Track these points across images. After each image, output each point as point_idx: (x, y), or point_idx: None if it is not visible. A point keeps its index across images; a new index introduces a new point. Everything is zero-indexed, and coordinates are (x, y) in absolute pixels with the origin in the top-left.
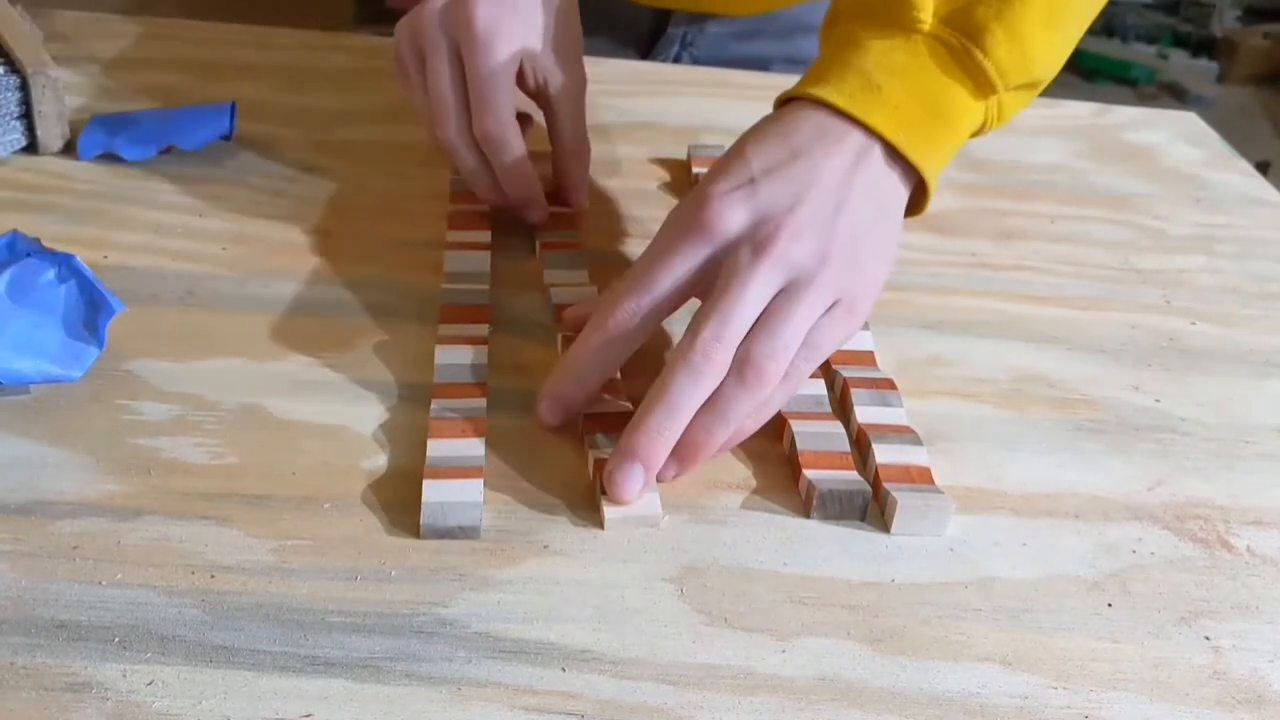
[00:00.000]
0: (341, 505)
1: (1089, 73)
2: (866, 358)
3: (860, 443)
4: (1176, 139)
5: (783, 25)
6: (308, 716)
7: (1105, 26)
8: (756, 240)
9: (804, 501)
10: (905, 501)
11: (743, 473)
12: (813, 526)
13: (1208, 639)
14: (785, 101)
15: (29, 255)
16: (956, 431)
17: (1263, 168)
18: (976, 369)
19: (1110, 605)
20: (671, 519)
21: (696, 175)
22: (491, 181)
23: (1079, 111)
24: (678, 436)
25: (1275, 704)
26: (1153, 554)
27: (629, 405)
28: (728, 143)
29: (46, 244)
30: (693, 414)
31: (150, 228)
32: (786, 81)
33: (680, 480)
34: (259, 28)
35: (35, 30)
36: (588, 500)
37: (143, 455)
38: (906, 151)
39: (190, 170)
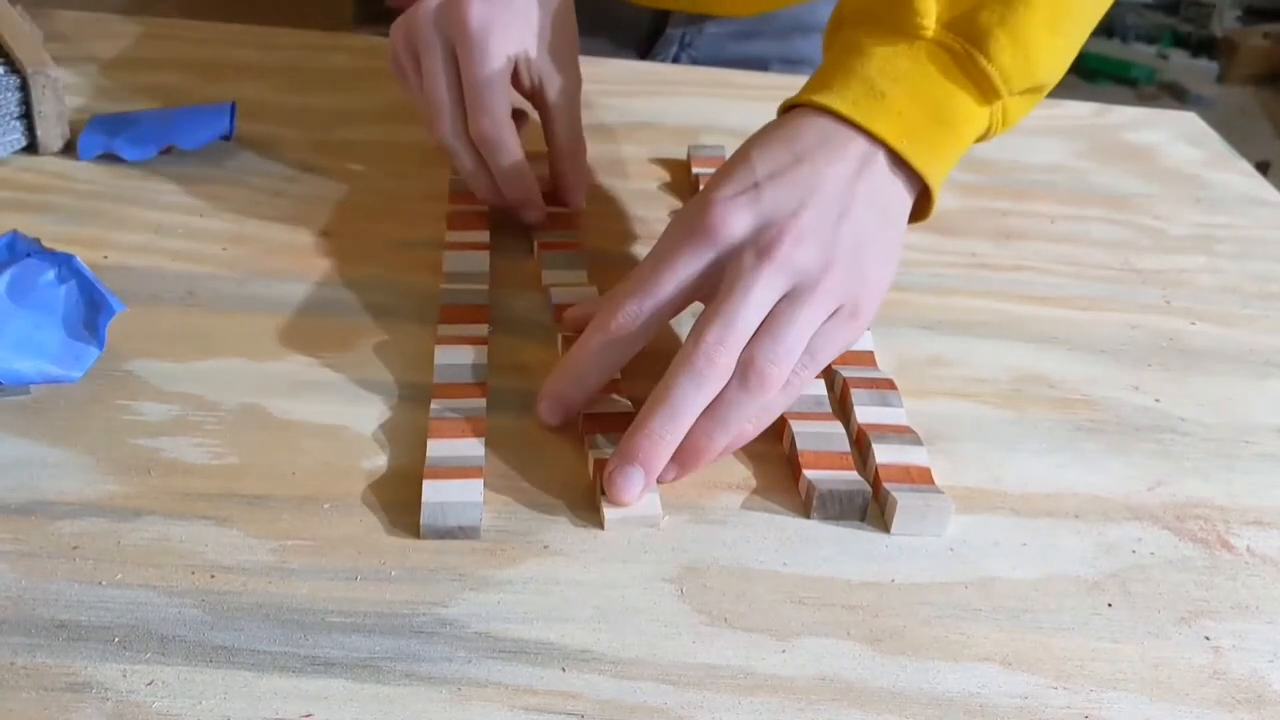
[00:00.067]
0: (341, 505)
1: (1089, 73)
2: (866, 358)
3: (860, 443)
4: (1176, 139)
5: (781, 25)
6: (308, 716)
7: (1105, 27)
8: (760, 245)
9: (804, 501)
10: (905, 502)
11: (743, 473)
12: (813, 526)
13: (1208, 639)
14: (790, 108)
15: (29, 255)
16: (956, 431)
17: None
18: (976, 369)
19: (1110, 605)
20: (671, 519)
21: (697, 175)
22: (489, 182)
23: (1079, 111)
24: (679, 440)
25: (1275, 704)
26: (1153, 554)
27: (630, 406)
28: (727, 142)
29: (46, 244)
30: (694, 418)
31: (150, 228)
32: (785, 81)
33: (680, 481)
34: (259, 28)
35: (35, 30)
36: (588, 500)
37: (143, 455)
38: (910, 158)
39: (190, 170)
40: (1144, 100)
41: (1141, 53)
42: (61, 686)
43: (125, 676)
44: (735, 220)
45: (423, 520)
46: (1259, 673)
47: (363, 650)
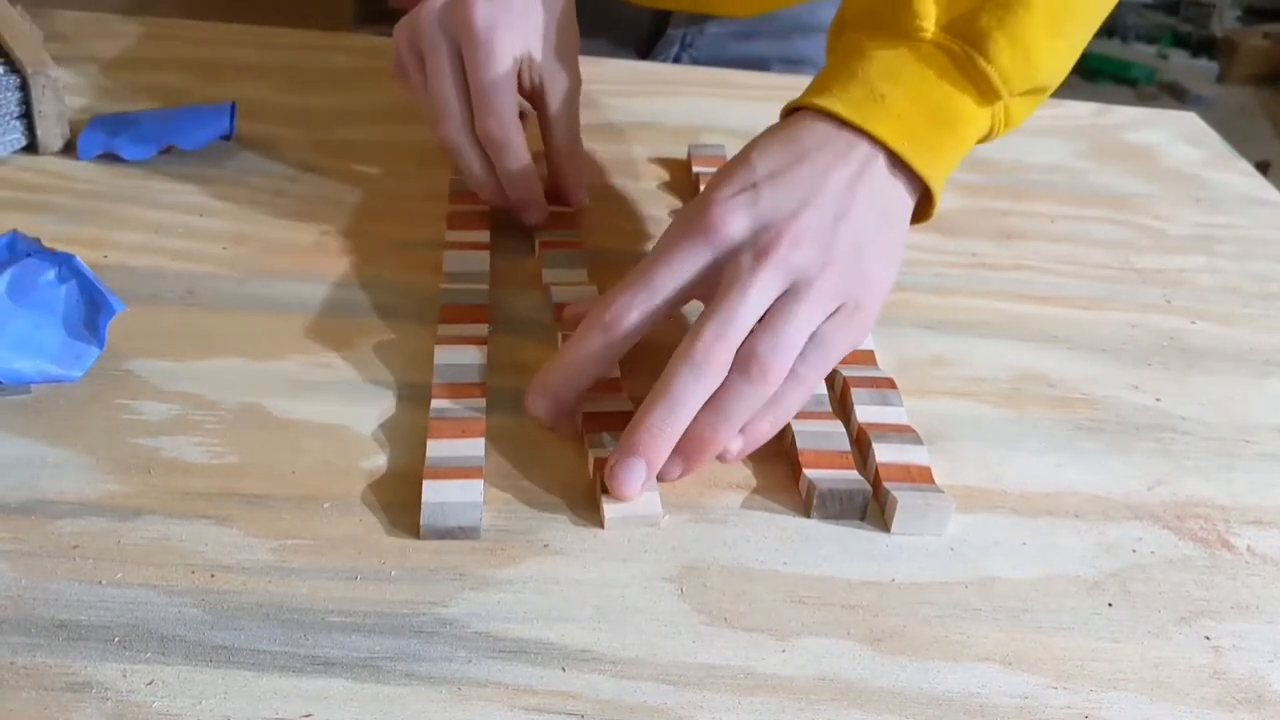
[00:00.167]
0: (341, 505)
1: (1089, 73)
2: (867, 357)
3: (860, 442)
4: (1176, 139)
5: (782, 26)
6: (308, 716)
7: (1105, 27)
8: (758, 246)
9: (804, 501)
10: (905, 501)
11: (743, 473)
12: (813, 526)
13: (1208, 639)
14: (791, 111)
15: (29, 255)
16: (956, 431)
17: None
18: (977, 369)
19: (1110, 605)
20: (671, 519)
21: (697, 175)
22: (494, 182)
23: (1079, 111)
24: (679, 434)
25: (1275, 704)
26: (1153, 554)
27: (630, 405)
28: (728, 142)
29: (46, 244)
30: (695, 411)
31: (150, 228)
32: (786, 81)
33: (681, 480)
34: (259, 28)
35: (35, 30)
36: (588, 500)
37: (143, 455)
38: (910, 160)
39: (190, 170)
40: (1144, 100)
41: (1141, 53)
42: (61, 686)
43: (125, 676)
44: (734, 220)
45: (423, 520)
46: (1259, 673)
47: (363, 650)
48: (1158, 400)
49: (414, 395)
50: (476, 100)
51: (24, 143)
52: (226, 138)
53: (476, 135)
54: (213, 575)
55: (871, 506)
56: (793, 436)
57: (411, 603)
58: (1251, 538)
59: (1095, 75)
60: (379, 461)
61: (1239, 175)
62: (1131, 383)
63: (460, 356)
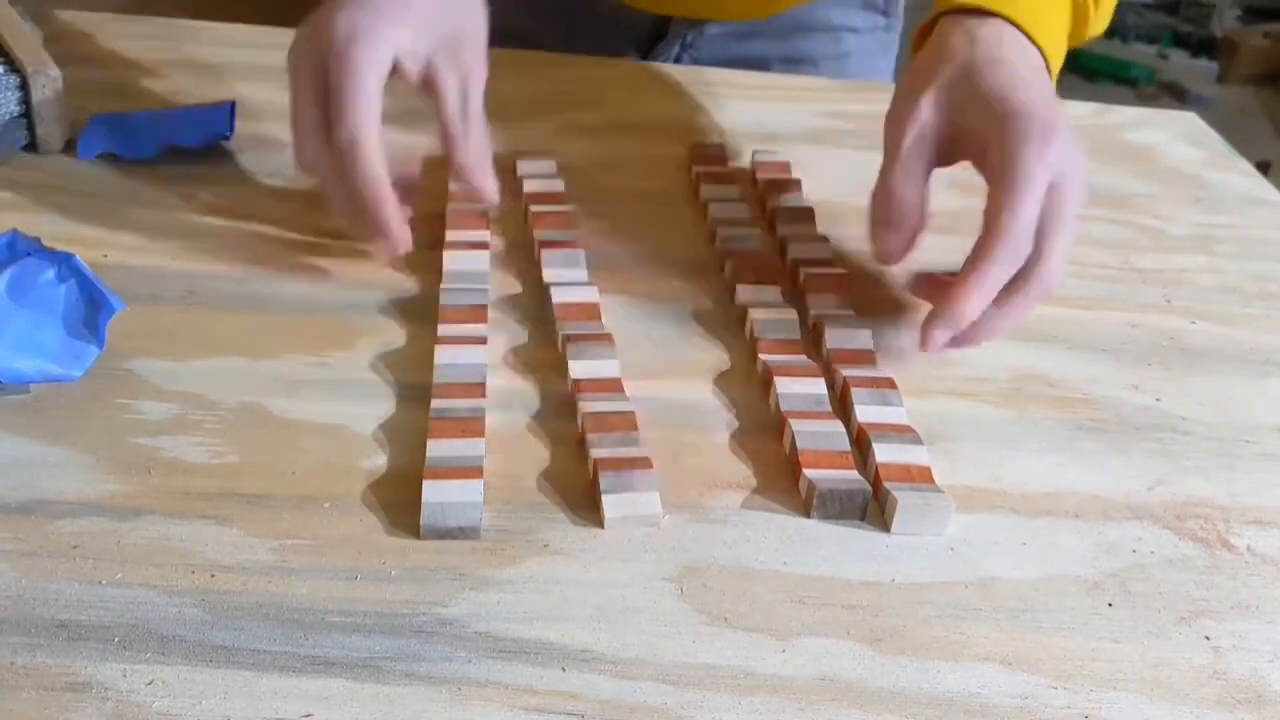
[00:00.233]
0: (341, 505)
1: (1089, 73)
2: (867, 357)
3: (860, 442)
4: (1176, 139)
5: (782, 25)
6: (308, 716)
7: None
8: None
9: (804, 501)
10: (905, 501)
11: (743, 473)
12: (813, 526)
13: (1208, 639)
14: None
15: (29, 255)
16: (956, 431)
17: (1263, 168)
18: (976, 369)
19: (1110, 605)
20: (671, 519)
21: (697, 174)
22: (349, 199)
23: (1079, 111)
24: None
25: (1275, 704)
26: (1153, 554)
27: (630, 407)
28: (727, 142)
29: (46, 243)
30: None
31: (150, 227)
32: (786, 81)
33: (680, 480)
34: (259, 28)
35: (35, 30)
36: (588, 500)
37: (143, 455)
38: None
39: (190, 170)
40: (1144, 100)
41: (1141, 53)
42: (61, 686)
43: (125, 676)
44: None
45: (423, 520)
46: (1259, 673)
47: (363, 650)
48: (1158, 400)
49: (414, 395)
50: (333, 110)
51: (24, 143)
52: (226, 138)
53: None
54: (213, 575)
55: (871, 507)
56: (793, 436)
57: (411, 603)
58: (1251, 538)
59: (1095, 75)
60: (379, 461)
61: (1239, 175)
62: (1131, 383)
63: (460, 356)
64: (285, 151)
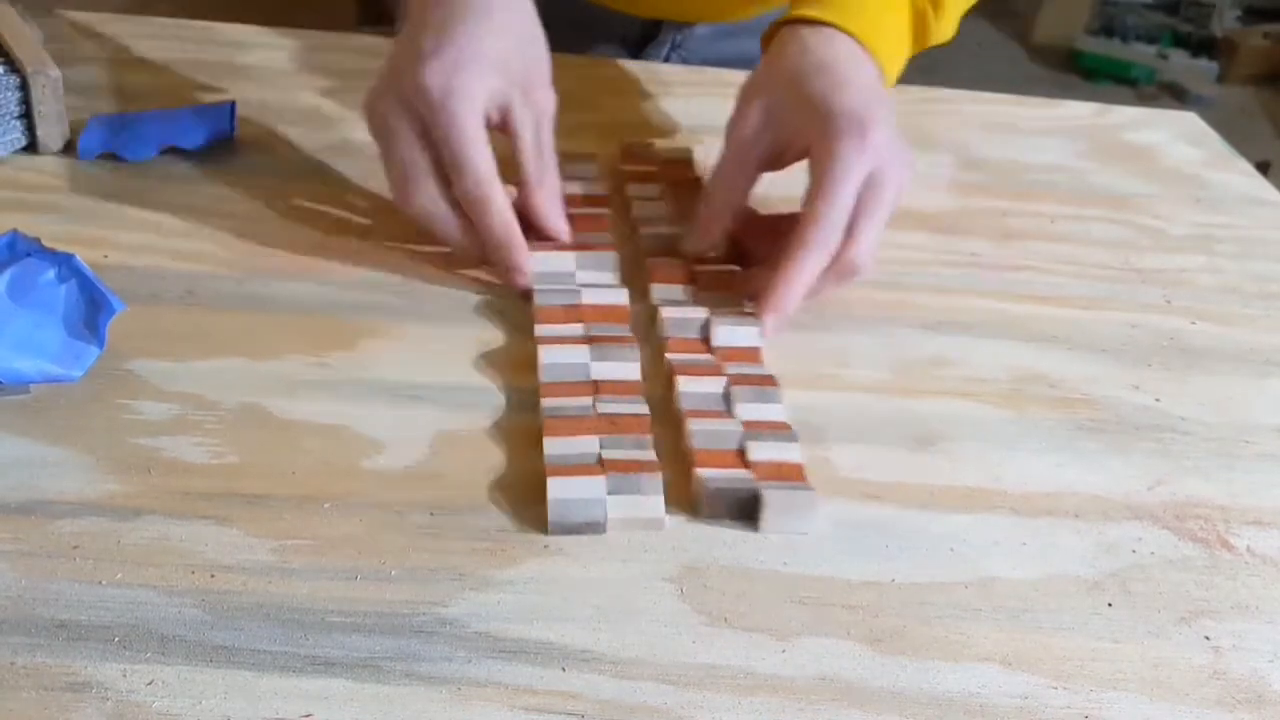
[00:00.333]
0: (341, 505)
1: (1089, 73)
2: (752, 354)
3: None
4: (1176, 139)
5: (768, 23)
6: (308, 716)
7: (1105, 27)
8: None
9: (694, 499)
10: (770, 498)
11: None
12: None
13: (1208, 639)
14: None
15: (29, 255)
16: (956, 431)
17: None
18: (976, 369)
19: (1110, 605)
20: (671, 519)
21: (624, 173)
22: (476, 245)
23: (1079, 111)
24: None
25: (1275, 704)
26: (1153, 554)
27: (646, 410)
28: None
29: (46, 244)
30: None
31: (150, 228)
32: None
33: (680, 481)
34: (259, 28)
35: (35, 30)
36: None
37: (143, 455)
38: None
39: (190, 170)
40: (1144, 100)
41: (1141, 53)
42: (61, 686)
43: (125, 676)
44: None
45: (550, 517)
46: (1259, 673)
47: (363, 650)
48: (1158, 400)
49: (414, 395)
50: (449, 164)
51: (24, 143)
52: (226, 138)
53: (452, 199)
54: (213, 575)
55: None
56: (689, 434)
57: (411, 603)
58: (1251, 538)
59: (1095, 75)
60: (379, 461)
61: (1239, 175)
62: (1131, 383)
63: (564, 356)
64: (285, 151)
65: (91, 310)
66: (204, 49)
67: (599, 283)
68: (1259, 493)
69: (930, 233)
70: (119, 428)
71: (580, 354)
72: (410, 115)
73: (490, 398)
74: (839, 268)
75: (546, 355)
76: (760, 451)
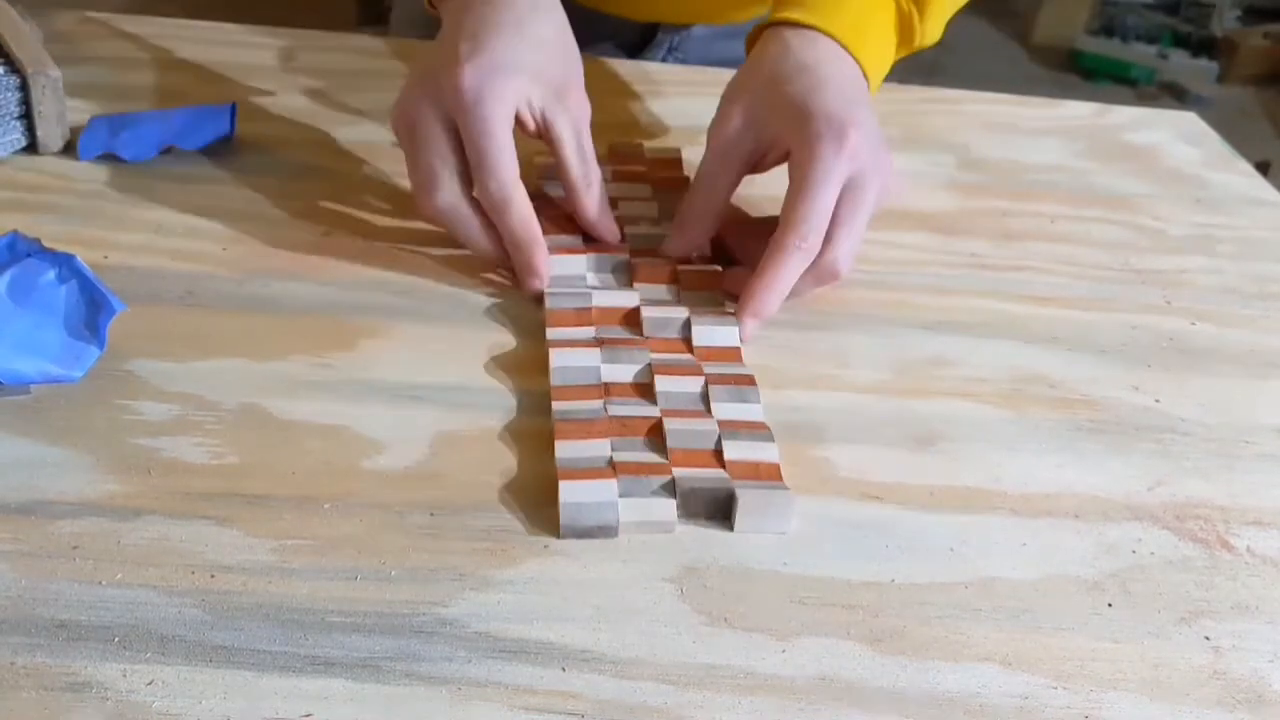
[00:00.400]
0: (341, 505)
1: (1089, 73)
2: (731, 354)
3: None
4: (1176, 139)
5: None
6: (308, 716)
7: (1105, 26)
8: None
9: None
10: (745, 498)
11: None
12: (813, 526)
13: (1208, 639)
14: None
15: (29, 255)
16: (956, 431)
17: (1263, 168)
18: (976, 369)
19: (1110, 605)
20: None
21: (612, 173)
22: (497, 247)
23: (1079, 111)
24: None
25: (1275, 704)
26: (1153, 554)
27: (657, 411)
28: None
29: (47, 244)
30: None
31: (150, 228)
32: None
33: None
34: (259, 27)
35: (35, 30)
36: None
37: (143, 455)
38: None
39: (190, 170)
40: (1144, 100)
41: (1141, 53)
42: (61, 686)
43: (125, 676)
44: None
45: (561, 520)
46: (1259, 673)
47: (363, 650)
48: (1157, 401)
49: (414, 395)
50: (475, 164)
51: (24, 143)
52: (226, 138)
53: (474, 201)
54: (213, 575)
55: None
56: (665, 434)
57: (411, 603)
58: (1251, 538)
59: (1095, 75)
60: (379, 461)
61: (1239, 175)
62: (1131, 383)
63: (575, 359)
64: (285, 151)
65: (92, 311)
66: (204, 49)
67: (611, 285)
68: (1259, 493)
69: (930, 233)
70: (119, 428)
71: (592, 357)
72: (441, 116)
73: (495, 398)
74: (818, 271)
75: (558, 358)
76: (736, 451)
